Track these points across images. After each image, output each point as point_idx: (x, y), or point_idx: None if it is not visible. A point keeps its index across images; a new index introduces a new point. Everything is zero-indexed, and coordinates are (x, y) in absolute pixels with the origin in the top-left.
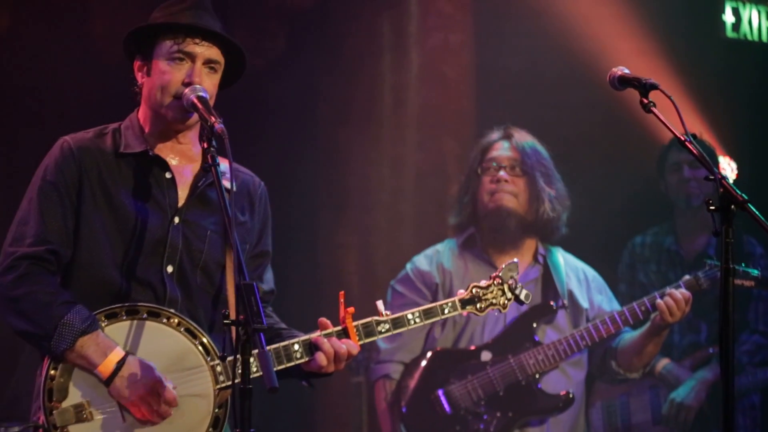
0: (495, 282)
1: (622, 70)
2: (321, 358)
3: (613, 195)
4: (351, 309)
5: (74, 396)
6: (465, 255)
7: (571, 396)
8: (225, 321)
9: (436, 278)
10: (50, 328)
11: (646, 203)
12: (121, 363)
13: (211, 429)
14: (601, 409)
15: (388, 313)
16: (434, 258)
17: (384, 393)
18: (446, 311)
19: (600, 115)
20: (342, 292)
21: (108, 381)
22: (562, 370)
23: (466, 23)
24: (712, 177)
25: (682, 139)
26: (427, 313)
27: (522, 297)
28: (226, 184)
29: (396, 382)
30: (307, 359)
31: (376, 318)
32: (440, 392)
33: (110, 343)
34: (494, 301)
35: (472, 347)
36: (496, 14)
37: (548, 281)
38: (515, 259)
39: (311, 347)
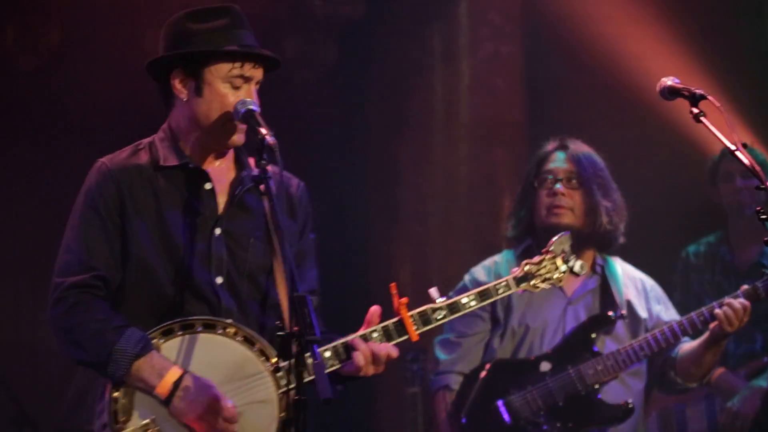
0: (547, 256)
1: (672, 80)
2: (359, 359)
3: (666, 204)
4: (405, 299)
5: (139, 415)
6: None
7: (630, 406)
8: (278, 333)
9: None
10: (104, 355)
11: (699, 213)
12: (177, 383)
13: None
14: (657, 418)
15: (443, 299)
16: (492, 269)
17: (444, 404)
18: (500, 291)
19: (652, 125)
20: (393, 284)
21: (167, 401)
22: (622, 380)
23: (516, 34)
24: (763, 186)
25: (733, 148)
26: (482, 295)
27: (576, 268)
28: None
29: (456, 392)
30: (339, 365)
31: (431, 305)
32: (500, 403)
33: (166, 363)
34: (548, 275)
35: (532, 357)
36: (545, 24)
37: (606, 291)
38: (567, 232)
39: (345, 350)
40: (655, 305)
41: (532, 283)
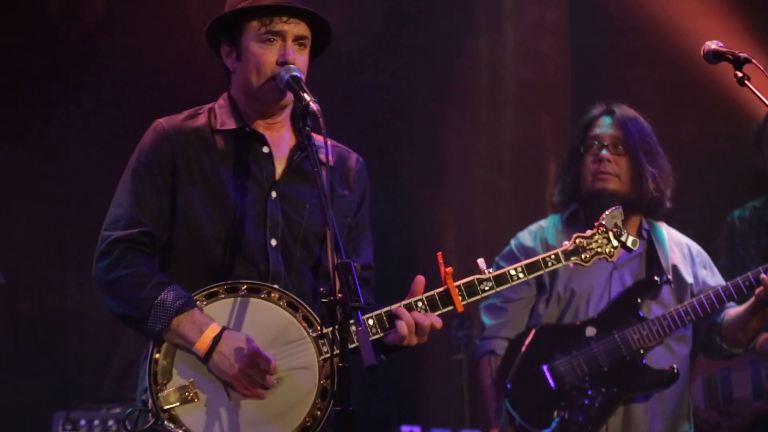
0: (599, 230)
1: (716, 43)
2: (402, 328)
3: (711, 169)
4: (450, 269)
5: (178, 377)
6: (569, 231)
7: (675, 371)
8: (323, 299)
9: (540, 253)
10: (146, 309)
11: (744, 177)
12: (217, 338)
13: (318, 400)
14: (702, 383)
15: (491, 270)
16: (538, 234)
17: (489, 369)
18: (549, 264)
19: (697, 88)
20: (440, 253)
21: (206, 358)
22: (667, 345)
23: None
24: None
25: None
26: (530, 267)
27: (629, 243)
28: (324, 159)
29: (501, 358)
30: (382, 334)
31: (478, 276)
32: (545, 368)
33: (206, 320)
34: (599, 250)
35: (577, 323)
36: None
37: (652, 256)
38: (619, 206)
39: (389, 319)
40: (701, 270)
41: (582, 256)
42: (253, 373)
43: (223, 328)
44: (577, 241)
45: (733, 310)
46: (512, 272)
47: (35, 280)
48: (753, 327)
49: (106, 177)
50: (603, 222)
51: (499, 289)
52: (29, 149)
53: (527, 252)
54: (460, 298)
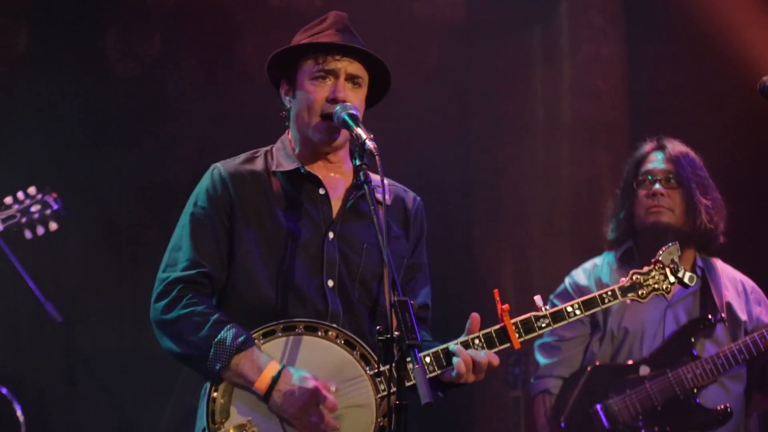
0: (656, 267)
1: None
2: (460, 366)
3: (765, 203)
4: (507, 306)
5: (236, 416)
6: (623, 269)
7: (729, 410)
8: (379, 337)
9: (594, 292)
10: (205, 348)
11: None
12: (276, 377)
13: None
14: (757, 419)
15: (547, 307)
16: (592, 272)
17: (543, 408)
18: (606, 300)
19: (753, 127)
20: (497, 290)
21: (266, 396)
22: (721, 383)
23: (617, 35)
24: None
25: None
26: (587, 304)
27: (686, 280)
28: (387, 198)
29: (555, 397)
30: (439, 371)
31: (535, 313)
32: (599, 407)
33: (265, 358)
34: (656, 286)
35: (631, 362)
36: (647, 25)
37: (706, 294)
38: (675, 242)
39: (446, 357)
40: (755, 307)
41: (639, 293)
42: (313, 412)
43: (283, 367)
44: (634, 277)
45: None
46: (569, 309)
47: (92, 320)
48: None
49: (163, 219)
50: (660, 258)
51: (555, 326)
52: (85, 191)
53: (581, 290)
54: (517, 335)
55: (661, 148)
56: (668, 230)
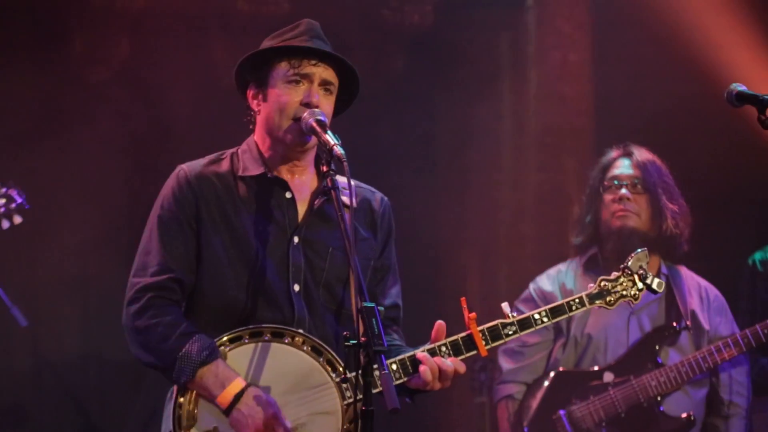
0: (624, 273)
1: (740, 86)
2: (426, 373)
3: (732, 212)
4: (474, 314)
5: (202, 423)
6: (587, 275)
7: (692, 418)
8: (346, 343)
9: (558, 297)
10: (171, 361)
11: (764, 219)
12: (239, 395)
13: None
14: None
15: (514, 315)
16: (557, 278)
17: (507, 413)
18: (574, 308)
19: (718, 132)
20: (464, 298)
21: (227, 412)
22: (684, 390)
23: (584, 42)
24: None
25: None
26: (554, 312)
27: (655, 286)
28: (347, 202)
29: (519, 402)
30: (405, 378)
31: (502, 321)
32: (562, 413)
33: (229, 374)
34: (624, 293)
35: (595, 368)
36: (614, 33)
37: (671, 301)
38: (644, 249)
39: (412, 364)
40: (715, 317)
41: (607, 299)
42: None
43: (247, 386)
44: (602, 284)
45: None
46: (536, 316)
47: (57, 323)
48: None
49: (129, 221)
50: (628, 264)
51: (522, 333)
52: (51, 192)
53: (545, 296)
54: (484, 343)
55: (627, 154)
56: (634, 234)
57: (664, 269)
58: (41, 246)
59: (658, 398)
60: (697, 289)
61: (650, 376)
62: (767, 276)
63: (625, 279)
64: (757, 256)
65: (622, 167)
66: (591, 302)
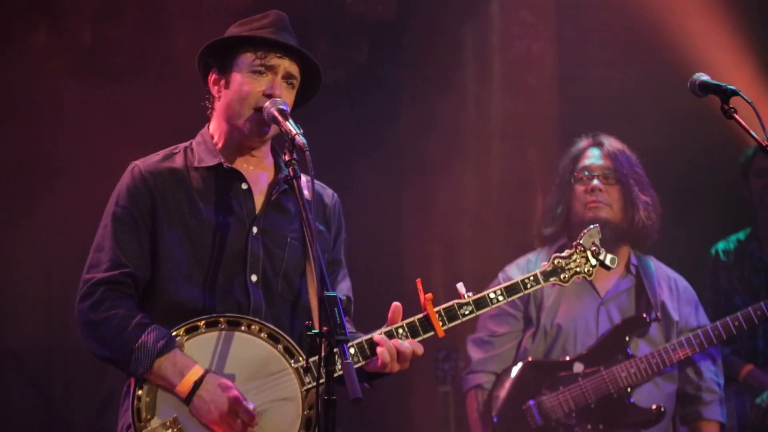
0: (577, 250)
1: (704, 76)
2: (383, 355)
3: (695, 201)
4: (430, 295)
5: (162, 414)
6: None
7: (663, 410)
8: (308, 333)
9: None
10: (127, 352)
11: (728, 209)
12: (198, 382)
13: (303, 431)
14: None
15: (470, 294)
16: (526, 267)
17: (476, 403)
18: (529, 285)
19: (682, 122)
20: (419, 279)
21: (187, 400)
22: (654, 382)
23: (548, 32)
24: None
25: (764, 144)
26: (509, 290)
27: (608, 262)
28: (306, 194)
29: (488, 392)
30: (363, 362)
31: (458, 301)
32: (531, 403)
33: (187, 362)
34: (578, 269)
35: (566, 358)
36: (578, 23)
37: (641, 292)
38: (596, 225)
39: (370, 347)
40: (685, 307)
41: (561, 276)
42: (231, 421)
43: (206, 372)
44: (556, 261)
45: None
46: (491, 295)
47: (20, 314)
48: None
49: (94, 212)
50: (581, 241)
51: (479, 312)
52: (16, 181)
53: None
54: (441, 324)
55: (598, 144)
56: (606, 226)
57: (633, 260)
58: (2, 237)
59: (628, 389)
60: (667, 281)
61: (620, 367)
62: (730, 266)
63: (578, 256)
64: (720, 245)
65: (593, 157)
66: (545, 279)
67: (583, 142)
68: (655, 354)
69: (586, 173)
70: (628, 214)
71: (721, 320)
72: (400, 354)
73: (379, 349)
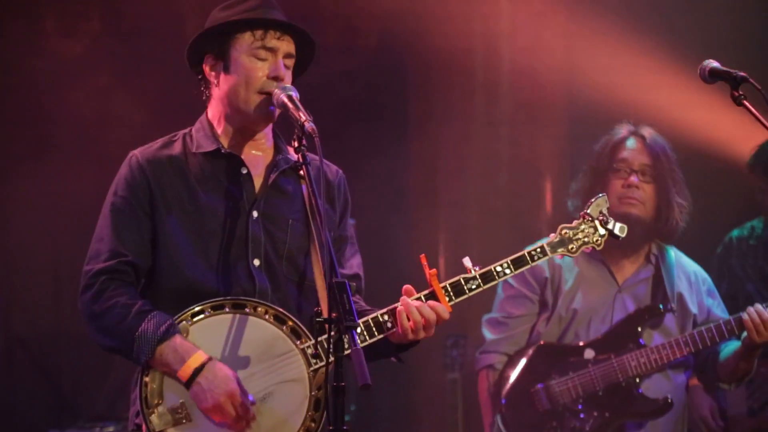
0: (585, 220)
1: (713, 63)
2: (409, 322)
3: (710, 189)
4: (434, 270)
5: (169, 399)
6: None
7: (669, 401)
8: (317, 319)
9: (545, 272)
10: (129, 340)
11: (744, 197)
12: (199, 369)
13: (311, 412)
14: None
15: (476, 269)
16: None
17: (487, 383)
18: (536, 257)
19: (694, 110)
20: (423, 255)
21: (187, 386)
22: (665, 373)
23: (557, 20)
24: None
25: None
26: (516, 262)
27: (617, 231)
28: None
29: (499, 372)
30: (379, 336)
31: (464, 275)
32: (540, 386)
33: (189, 348)
34: (586, 239)
35: (580, 343)
36: (587, 10)
37: (659, 283)
38: (603, 194)
39: (377, 327)
40: (707, 299)
41: (569, 247)
42: (227, 411)
43: (208, 359)
44: (563, 232)
45: (730, 349)
46: (498, 269)
47: (29, 300)
48: (742, 368)
49: (98, 199)
50: (588, 211)
51: (486, 287)
52: (27, 170)
53: (532, 268)
54: (447, 299)
55: (638, 135)
56: (637, 222)
57: (654, 250)
58: (14, 223)
59: (637, 379)
60: (686, 273)
61: (631, 356)
62: (743, 253)
63: (587, 225)
64: (735, 233)
65: (633, 150)
66: (553, 251)
67: (623, 131)
68: (667, 345)
69: (625, 167)
70: (660, 213)
71: (734, 315)
72: (426, 319)
73: (399, 308)
